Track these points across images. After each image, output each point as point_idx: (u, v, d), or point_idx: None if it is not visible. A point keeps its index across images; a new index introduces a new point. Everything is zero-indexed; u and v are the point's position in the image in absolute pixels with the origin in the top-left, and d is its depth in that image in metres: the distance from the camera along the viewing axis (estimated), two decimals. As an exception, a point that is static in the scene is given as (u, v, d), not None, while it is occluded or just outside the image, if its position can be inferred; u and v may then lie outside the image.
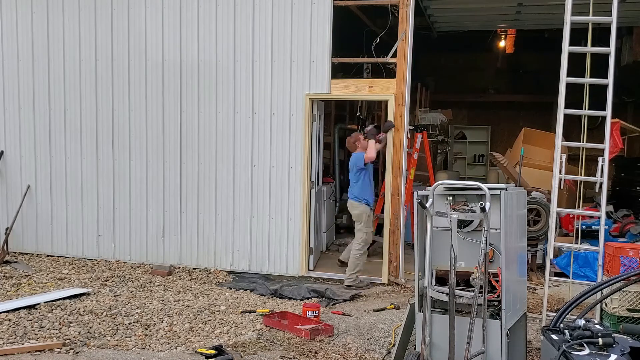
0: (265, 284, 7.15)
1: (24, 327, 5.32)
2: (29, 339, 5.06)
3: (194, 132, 7.71)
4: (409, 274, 7.26)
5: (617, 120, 5.77)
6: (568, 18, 5.36)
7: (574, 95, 5.70)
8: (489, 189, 3.91)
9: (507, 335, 3.91)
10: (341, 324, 5.69)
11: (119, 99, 7.93)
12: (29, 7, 8.15)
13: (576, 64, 5.63)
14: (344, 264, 7.32)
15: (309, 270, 7.52)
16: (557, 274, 7.04)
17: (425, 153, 8.92)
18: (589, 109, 5.58)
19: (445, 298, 3.98)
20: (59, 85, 8.12)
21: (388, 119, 7.11)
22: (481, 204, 3.93)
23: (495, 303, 3.96)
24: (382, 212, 7.45)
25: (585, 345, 3.51)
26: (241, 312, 6.01)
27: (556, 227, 5.75)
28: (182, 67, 7.68)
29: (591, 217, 7.00)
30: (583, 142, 5.61)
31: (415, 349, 4.38)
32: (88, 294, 6.48)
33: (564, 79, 5.34)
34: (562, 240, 6.94)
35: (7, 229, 8.19)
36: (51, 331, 5.26)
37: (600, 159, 5.26)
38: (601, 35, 5.92)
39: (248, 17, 7.43)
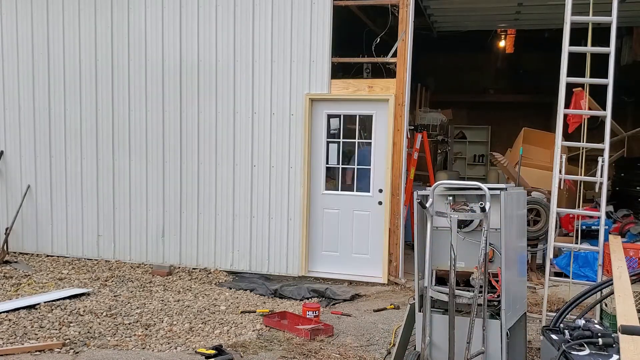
0: (265, 284, 7.15)
1: (24, 327, 5.32)
2: (29, 339, 5.06)
3: (194, 132, 7.71)
4: (409, 273, 7.27)
5: (580, 89, 5.73)
6: (568, 18, 5.36)
7: (574, 95, 5.70)
8: (489, 189, 3.91)
9: (507, 335, 3.91)
10: (341, 324, 5.69)
11: (119, 99, 7.94)
12: (29, 7, 8.15)
13: (576, 64, 5.63)
14: None
15: (309, 270, 7.52)
16: (557, 274, 7.04)
17: (425, 153, 8.92)
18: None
19: (445, 298, 3.98)
20: (59, 85, 8.13)
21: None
22: (481, 204, 3.93)
23: (495, 303, 3.96)
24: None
25: (585, 345, 3.52)
26: (241, 312, 6.01)
27: (556, 227, 5.75)
28: (182, 67, 7.69)
29: (591, 217, 7.00)
30: (583, 142, 5.61)
31: (415, 349, 4.38)
32: (88, 294, 6.48)
33: (564, 79, 5.34)
34: (562, 240, 6.93)
35: (7, 229, 8.19)
36: (51, 331, 5.26)
37: (600, 159, 5.26)
38: (601, 35, 5.92)
39: (248, 17, 7.43)
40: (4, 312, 5.66)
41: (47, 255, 8.31)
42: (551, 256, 5.42)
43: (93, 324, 5.49)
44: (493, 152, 9.47)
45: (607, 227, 6.53)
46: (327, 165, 7.48)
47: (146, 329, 5.42)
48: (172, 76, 7.73)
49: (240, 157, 7.59)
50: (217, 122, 7.63)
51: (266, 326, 5.58)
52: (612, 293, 4.32)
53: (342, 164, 7.46)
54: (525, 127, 9.68)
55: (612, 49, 5.30)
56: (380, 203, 7.23)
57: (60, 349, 4.86)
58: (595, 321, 4.32)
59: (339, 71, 7.53)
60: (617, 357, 3.34)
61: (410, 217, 8.02)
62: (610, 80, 5.26)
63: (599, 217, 5.42)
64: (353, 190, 7.44)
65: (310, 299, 6.62)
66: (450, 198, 4.14)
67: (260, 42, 7.42)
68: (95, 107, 8.02)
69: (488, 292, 3.92)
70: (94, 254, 8.19)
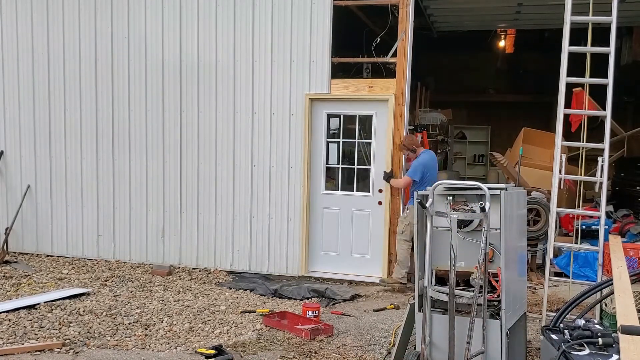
0: (265, 283, 7.15)
1: (24, 327, 5.32)
2: (29, 339, 5.06)
3: (193, 132, 7.71)
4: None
5: (580, 89, 5.74)
6: (568, 18, 5.36)
7: (574, 95, 5.70)
8: (489, 188, 3.91)
9: (507, 335, 3.91)
10: (341, 324, 5.69)
11: (119, 99, 7.94)
12: (29, 7, 8.15)
13: (576, 64, 5.62)
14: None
15: (308, 270, 7.52)
16: (557, 274, 7.04)
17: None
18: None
19: (445, 298, 3.98)
20: (59, 85, 8.13)
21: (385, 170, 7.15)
22: (481, 204, 3.93)
23: (495, 303, 3.96)
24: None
25: (585, 345, 3.52)
26: (241, 312, 6.01)
27: (556, 227, 5.75)
28: (182, 67, 7.69)
29: (591, 217, 7.00)
30: (583, 142, 5.61)
31: (415, 349, 4.38)
32: (88, 294, 6.48)
33: (564, 79, 5.34)
34: (562, 240, 6.93)
35: (7, 229, 8.20)
36: (51, 331, 5.26)
37: (600, 158, 5.26)
38: (601, 35, 5.92)
39: (248, 17, 7.43)
40: (4, 312, 5.66)
41: (47, 255, 8.31)
42: (551, 256, 5.42)
43: (93, 324, 5.49)
44: (493, 152, 9.46)
45: (607, 227, 6.53)
46: (327, 165, 7.48)
47: (146, 329, 5.42)
48: (172, 76, 7.73)
49: (240, 157, 7.59)
50: (217, 122, 7.63)
51: (266, 326, 5.58)
52: (612, 293, 4.32)
53: (342, 164, 7.46)
54: (525, 127, 9.68)
55: (612, 49, 5.30)
56: (380, 203, 7.23)
57: (60, 349, 4.85)
58: (595, 321, 4.32)
59: (338, 71, 7.53)
60: (617, 357, 3.34)
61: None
62: (610, 80, 5.26)
63: (599, 217, 5.42)
64: (353, 190, 7.45)
65: (310, 299, 6.62)
66: (450, 198, 4.14)
67: (260, 42, 7.42)
68: (95, 107, 8.02)
69: (488, 292, 3.92)
70: (94, 254, 8.19)
